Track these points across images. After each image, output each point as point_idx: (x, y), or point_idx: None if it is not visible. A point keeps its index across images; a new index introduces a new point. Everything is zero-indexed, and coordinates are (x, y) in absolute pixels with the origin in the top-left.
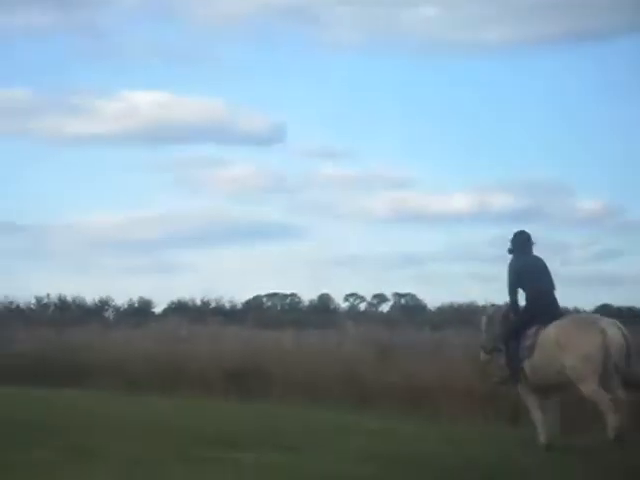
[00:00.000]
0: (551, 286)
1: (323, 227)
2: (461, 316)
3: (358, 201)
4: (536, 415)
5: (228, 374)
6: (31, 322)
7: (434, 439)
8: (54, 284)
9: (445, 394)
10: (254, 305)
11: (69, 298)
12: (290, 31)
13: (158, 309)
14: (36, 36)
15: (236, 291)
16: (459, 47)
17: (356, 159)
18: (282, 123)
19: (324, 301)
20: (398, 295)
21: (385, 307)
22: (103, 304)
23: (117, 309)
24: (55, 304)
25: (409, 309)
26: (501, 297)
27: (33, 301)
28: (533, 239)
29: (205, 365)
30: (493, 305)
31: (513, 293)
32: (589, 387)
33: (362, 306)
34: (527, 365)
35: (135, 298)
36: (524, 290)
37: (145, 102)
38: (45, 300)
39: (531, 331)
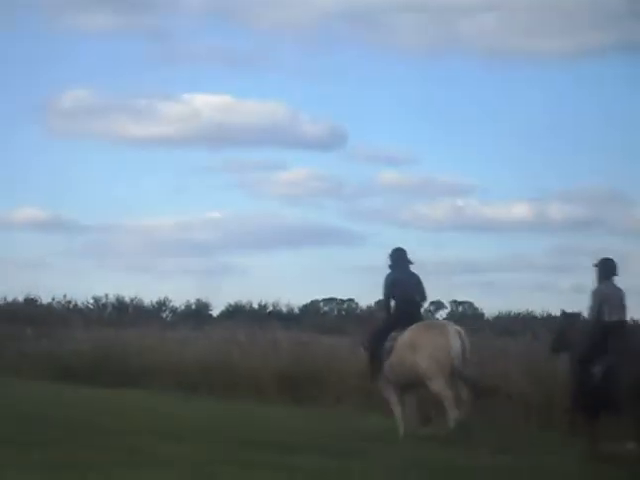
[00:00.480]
0: (420, 298)
1: (382, 233)
2: (518, 324)
3: (418, 208)
4: (395, 409)
5: (282, 378)
6: (89, 322)
7: (486, 446)
8: (113, 284)
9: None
10: (311, 310)
11: (127, 299)
12: (352, 37)
13: (215, 312)
14: (101, 38)
15: (293, 295)
16: (518, 55)
17: (416, 165)
18: (343, 128)
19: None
20: (456, 302)
21: (442, 314)
22: (160, 305)
23: (174, 311)
24: (113, 304)
25: (466, 317)
26: (558, 307)
27: (91, 301)
28: (408, 256)
29: (260, 369)
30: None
31: (386, 301)
32: (436, 385)
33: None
34: (386, 365)
35: (192, 300)
36: (394, 299)
37: (207, 105)
38: (103, 300)
39: (392, 335)
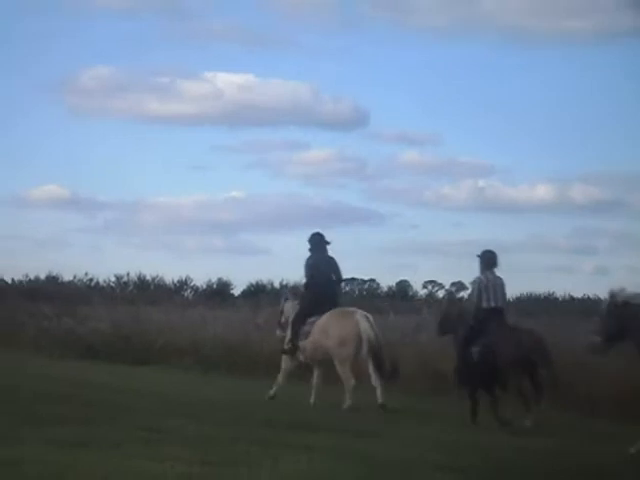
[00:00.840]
0: (337, 280)
1: (403, 213)
2: (540, 306)
3: (439, 188)
4: (281, 377)
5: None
6: (110, 300)
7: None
8: (134, 262)
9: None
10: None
11: (148, 277)
12: (374, 16)
13: (236, 291)
14: (122, 15)
15: None
16: (542, 35)
17: (438, 146)
18: (365, 108)
19: (402, 287)
20: None
21: (464, 295)
22: (182, 284)
23: (196, 289)
24: (134, 282)
25: None
26: (579, 289)
27: (113, 279)
28: (327, 239)
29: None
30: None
31: (308, 281)
32: (342, 368)
33: (440, 293)
34: (302, 345)
35: (214, 279)
36: (313, 281)
37: (229, 84)
38: (124, 278)
39: (311, 319)
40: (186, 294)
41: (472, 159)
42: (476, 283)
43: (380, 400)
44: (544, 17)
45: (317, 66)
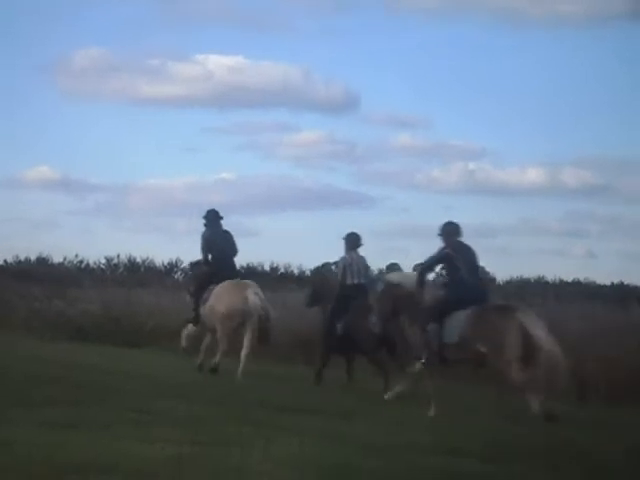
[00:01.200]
0: (232, 253)
1: (394, 197)
2: (530, 290)
3: (430, 171)
4: (184, 341)
5: (296, 340)
6: (100, 282)
7: (496, 411)
8: (124, 245)
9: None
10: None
11: (138, 259)
12: None
13: None
14: None
15: (304, 258)
16: (534, 17)
17: (429, 129)
18: (355, 90)
19: (393, 270)
20: None
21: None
22: (172, 266)
23: (186, 272)
24: (124, 265)
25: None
26: (570, 273)
27: (103, 261)
28: (221, 215)
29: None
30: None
31: (204, 255)
32: (221, 335)
33: (430, 276)
34: (202, 311)
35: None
36: (211, 254)
37: (219, 66)
38: (115, 260)
39: (209, 288)
40: (176, 276)
41: (463, 142)
42: (341, 262)
43: (239, 371)
44: (538, 0)
45: (308, 49)
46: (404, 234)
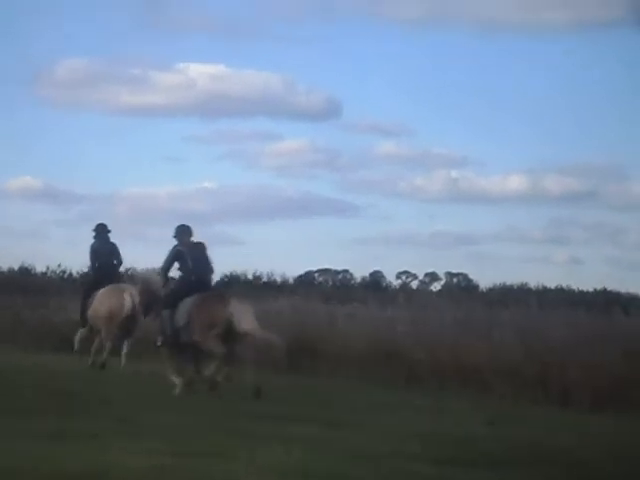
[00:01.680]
0: (117, 262)
1: (377, 204)
2: (513, 297)
3: (413, 179)
4: (76, 344)
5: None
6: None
7: (480, 418)
8: None
9: (494, 373)
10: (306, 280)
11: (121, 268)
12: (348, 6)
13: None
14: (93, 6)
15: (287, 266)
16: (519, 27)
17: (412, 137)
18: (338, 99)
19: (376, 278)
20: (450, 274)
21: (437, 286)
22: None
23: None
24: None
25: (461, 288)
26: (553, 279)
27: (86, 270)
28: (109, 228)
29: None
30: None
31: (92, 264)
32: (105, 334)
33: (414, 284)
34: (89, 315)
35: None
36: (98, 263)
37: (201, 75)
38: None
39: (95, 293)
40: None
41: (446, 150)
42: (173, 252)
43: (91, 361)
44: (517, 9)
45: (290, 56)
46: (387, 242)
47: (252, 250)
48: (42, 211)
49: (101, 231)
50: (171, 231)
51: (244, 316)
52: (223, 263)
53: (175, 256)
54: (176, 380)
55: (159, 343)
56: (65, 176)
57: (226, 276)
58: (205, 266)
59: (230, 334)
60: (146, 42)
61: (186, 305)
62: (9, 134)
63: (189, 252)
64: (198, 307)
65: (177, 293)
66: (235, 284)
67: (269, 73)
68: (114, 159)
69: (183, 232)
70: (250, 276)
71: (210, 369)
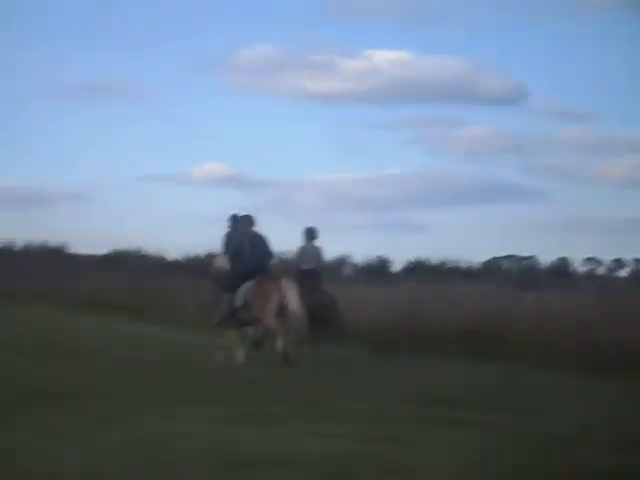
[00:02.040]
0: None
1: (562, 190)
2: None
3: (599, 164)
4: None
5: (464, 334)
6: None
7: None
8: (293, 239)
9: None
10: (491, 267)
11: None
12: None
13: (395, 268)
14: None
15: (472, 252)
16: None
17: (598, 121)
18: (524, 84)
19: (562, 264)
20: (638, 261)
21: (623, 272)
22: (341, 261)
23: (355, 266)
24: None
25: None
26: None
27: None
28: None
29: (442, 325)
30: None
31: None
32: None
33: (600, 270)
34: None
35: (373, 256)
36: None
37: (387, 61)
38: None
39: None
40: (345, 271)
41: (632, 134)
42: (299, 250)
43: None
44: None
45: (476, 42)
46: (575, 226)
47: (437, 236)
48: (229, 196)
49: (248, 221)
50: (358, 218)
51: (293, 297)
52: (408, 248)
53: (240, 243)
54: (238, 352)
55: (217, 321)
56: (250, 163)
57: (411, 262)
58: (264, 253)
59: (282, 312)
60: (332, 29)
61: (245, 288)
62: (197, 120)
63: (250, 240)
64: (257, 288)
65: (239, 277)
66: (420, 270)
67: (454, 59)
68: (299, 145)
69: (246, 221)
70: (435, 262)
71: (279, 345)
